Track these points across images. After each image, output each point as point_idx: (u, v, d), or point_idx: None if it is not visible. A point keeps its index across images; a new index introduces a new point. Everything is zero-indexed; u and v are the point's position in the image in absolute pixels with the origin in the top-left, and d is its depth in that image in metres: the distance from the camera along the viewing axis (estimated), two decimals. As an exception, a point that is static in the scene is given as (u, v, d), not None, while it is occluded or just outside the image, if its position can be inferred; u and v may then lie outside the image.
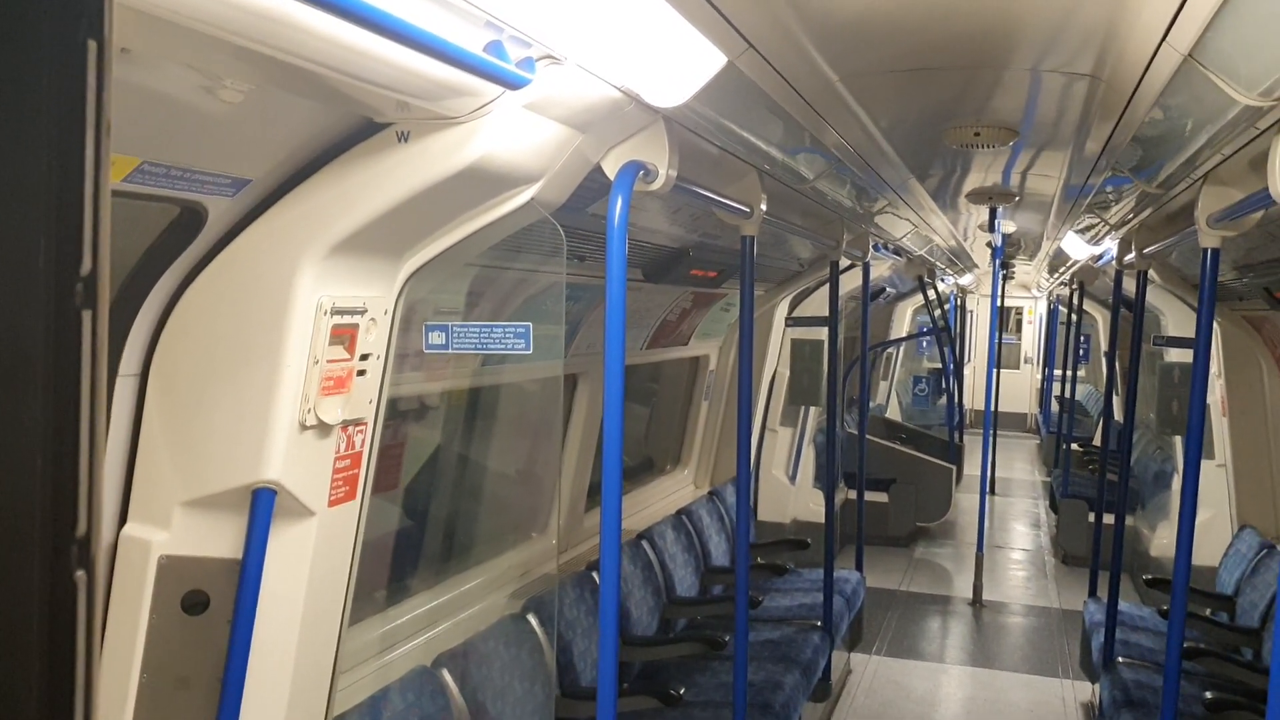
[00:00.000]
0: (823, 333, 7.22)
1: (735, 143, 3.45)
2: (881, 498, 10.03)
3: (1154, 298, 7.28)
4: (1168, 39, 2.23)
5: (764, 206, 3.97)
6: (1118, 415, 8.97)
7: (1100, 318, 13.56)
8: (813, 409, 8.58)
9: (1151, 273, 5.80)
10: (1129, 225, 5.61)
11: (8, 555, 0.57)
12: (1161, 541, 7.66)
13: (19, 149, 0.56)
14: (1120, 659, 5.60)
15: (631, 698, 4.53)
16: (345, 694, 3.04)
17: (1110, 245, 6.57)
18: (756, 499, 8.09)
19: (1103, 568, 6.45)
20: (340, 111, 2.26)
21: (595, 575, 4.85)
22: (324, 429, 2.45)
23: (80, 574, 0.58)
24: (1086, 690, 6.81)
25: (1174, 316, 7.58)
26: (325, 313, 2.36)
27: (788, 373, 7.97)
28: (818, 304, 7.97)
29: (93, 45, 0.56)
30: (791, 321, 7.85)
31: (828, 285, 6.33)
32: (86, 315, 0.57)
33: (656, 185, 2.90)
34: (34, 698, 0.57)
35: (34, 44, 0.56)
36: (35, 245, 0.56)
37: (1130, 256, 5.49)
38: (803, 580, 6.87)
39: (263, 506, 2.38)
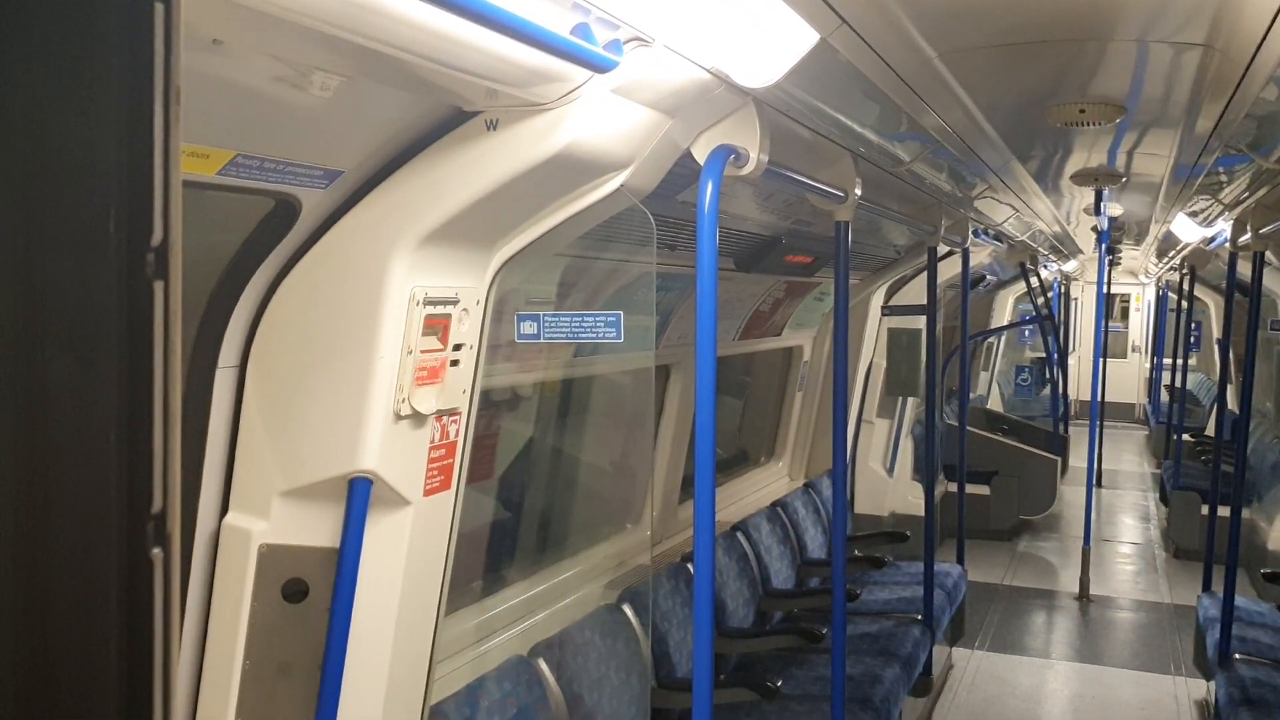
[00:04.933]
0: (920, 322, 7.07)
1: (829, 125, 3.38)
2: (983, 490, 9.80)
3: (1271, 281, 6.98)
4: (1288, 2, 2.12)
5: (858, 191, 3.88)
6: (1232, 404, 8.64)
7: (1212, 303, 13.09)
8: (910, 400, 8.42)
9: (1269, 254, 5.56)
10: (1244, 205, 5.39)
11: (84, 531, 0.56)
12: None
13: (86, 115, 0.55)
14: (1237, 655, 5.38)
15: (727, 690, 4.49)
16: (443, 682, 3.06)
17: (1224, 227, 6.32)
18: (853, 491, 7.97)
19: (1217, 561, 6.21)
20: (429, 102, 2.26)
21: (690, 566, 4.82)
22: (419, 419, 2.46)
23: (156, 551, 0.57)
24: (1201, 688, 6.56)
25: (1293, 300, 7.27)
26: (418, 303, 2.37)
27: (884, 363, 7.82)
28: (914, 293, 7.80)
29: (160, 7, 0.55)
30: (888, 310, 7.70)
31: (925, 273, 6.19)
32: (159, 286, 0.56)
33: (747, 169, 2.84)
34: (113, 673, 0.56)
35: (100, 7, 0.54)
36: (105, 214, 0.55)
37: (1245, 238, 5.28)
38: (901, 574, 6.74)
39: (359, 496, 2.40)
